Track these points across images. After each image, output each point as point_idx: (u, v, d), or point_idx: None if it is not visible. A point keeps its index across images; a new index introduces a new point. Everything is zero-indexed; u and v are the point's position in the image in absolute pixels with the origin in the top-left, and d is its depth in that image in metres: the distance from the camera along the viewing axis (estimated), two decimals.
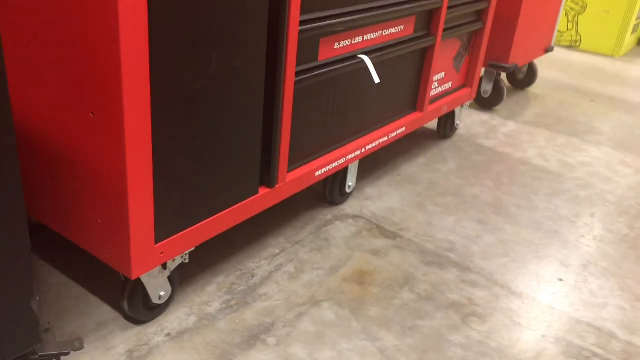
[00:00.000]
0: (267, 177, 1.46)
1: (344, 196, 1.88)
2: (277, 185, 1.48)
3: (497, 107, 2.88)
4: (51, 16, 1.05)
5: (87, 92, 1.06)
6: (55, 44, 1.07)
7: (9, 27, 1.14)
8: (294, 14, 1.30)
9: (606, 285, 1.64)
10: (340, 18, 1.48)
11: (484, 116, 2.78)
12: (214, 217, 1.32)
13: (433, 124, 2.55)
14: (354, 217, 1.83)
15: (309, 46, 1.44)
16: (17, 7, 1.11)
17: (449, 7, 1.94)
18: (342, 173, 1.81)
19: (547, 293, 1.58)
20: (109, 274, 1.44)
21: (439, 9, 1.87)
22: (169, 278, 1.33)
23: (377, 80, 1.64)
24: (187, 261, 1.36)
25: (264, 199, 1.46)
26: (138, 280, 1.26)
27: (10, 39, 1.15)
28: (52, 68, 1.10)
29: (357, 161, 1.83)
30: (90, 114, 1.07)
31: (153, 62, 1.05)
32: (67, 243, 1.53)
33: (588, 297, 1.58)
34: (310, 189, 1.94)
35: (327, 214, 1.83)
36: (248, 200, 1.41)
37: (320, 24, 1.42)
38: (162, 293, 1.32)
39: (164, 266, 1.30)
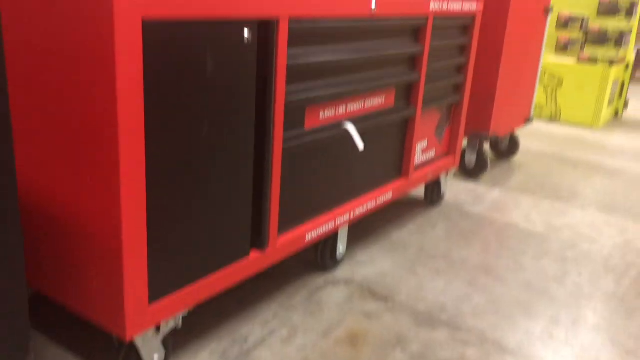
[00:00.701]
0: (258, 240, 1.51)
1: (335, 261, 1.92)
2: (268, 248, 1.52)
3: (482, 176, 2.97)
4: (51, 77, 1.14)
5: (85, 153, 1.13)
6: (55, 106, 1.15)
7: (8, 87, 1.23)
8: (280, 85, 1.41)
9: (597, 340, 1.65)
10: (324, 89, 1.58)
11: (470, 185, 2.87)
12: (206, 278, 1.36)
13: (421, 192, 2.62)
14: (346, 281, 1.86)
15: (295, 115, 1.54)
16: (14, 67, 1.20)
17: (427, 81, 2.07)
18: (333, 238, 1.86)
19: (539, 348, 1.59)
20: (104, 345, 1.45)
21: (417, 83, 2.00)
22: (163, 342, 1.34)
23: (361, 146, 1.72)
24: (179, 326, 1.37)
25: (255, 261, 1.50)
26: (132, 344, 1.28)
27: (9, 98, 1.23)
28: (49, 128, 1.18)
29: (347, 226, 1.89)
30: (89, 177, 1.14)
31: (148, 128, 1.12)
32: (63, 316, 1.55)
33: (580, 352, 1.59)
34: (302, 256, 1.97)
35: (319, 279, 1.86)
36: (239, 262, 1.44)
37: (306, 94, 1.52)
38: (155, 357, 1.33)
39: (158, 329, 1.32)
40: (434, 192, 2.50)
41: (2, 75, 0.86)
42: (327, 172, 1.73)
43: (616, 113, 4.81)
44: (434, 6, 1.95)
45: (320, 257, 1.86)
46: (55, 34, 1.09)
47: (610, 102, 4.53)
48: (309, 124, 1.60)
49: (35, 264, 1.34)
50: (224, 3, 1.19)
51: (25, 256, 1.33)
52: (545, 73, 4.42)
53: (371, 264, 1.99)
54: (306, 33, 1.49)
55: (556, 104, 4.44)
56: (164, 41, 1.10)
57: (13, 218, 0.92)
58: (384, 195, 1.99)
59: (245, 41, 1.30)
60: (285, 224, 1.62)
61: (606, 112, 4.47)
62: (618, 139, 4.07)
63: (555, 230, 2.38)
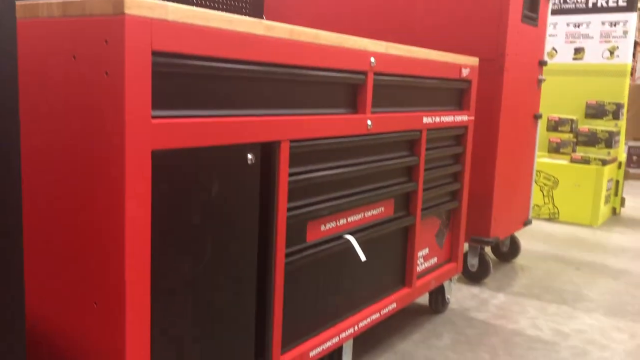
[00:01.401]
0: (261, 359, 1.48)
1: None
2: None
3: (486, 280, 2.95)
4: (60, 206, 1.17)
5: (92, 284, 1.14)
6: (61, 232, 1.18)
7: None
8: (282, 202, 1.45)
9: None
10: (324, 203, 1.62)
11: (474, 289, 2.84)
12: None
13: (425, 299, 2.60)
14: None
15: (297, 229, 1.57)
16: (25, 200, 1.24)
17: (424, 190, 2.12)
18: (337, 353, 1.82)
19: None
20: None
21: (414, 192, 2.05)
22: None
23: (363, 258, 1.74)
24: None
25: None
26: None
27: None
28: (54, 255, 1.19)
29: (352, 340, 1.85)
30: (94, 304, 1.14)
31: (154, 251, 1.15)
32: None
33: None
34: None
35: None
36: None
37: (307, 209, 1.56)
38: None
39: None
40: (438, 300, 2.48)
41: (18, 220, 0.90)
42: (330, 285, 1.73)
43: (614, 211, 4.86)
44: (427, 120, 2.04)
45: None
46: (67, 163, 1.14)
47: (607, 200, 4.59)
48: (311, 237, 1.63)
49: None
50: (228, 131, 1.25)
51: None
52: (540, 174, 4.52)
53: None
54: (306, 152, 1.55)
55: (553, 203, 4.50)
56: (172, 167, 1.15)
57: (19, 349, 0.92)
58: (388, 307, 1.98)
59: (249, 162, 1.35)
60: (289, 341, 1.59)
61: (604, 210, 4.52)
62: (618, 237, 4.08)
63: (563, 337, 2.33)
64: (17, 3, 1.18)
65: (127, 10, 1.00)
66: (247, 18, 1.27)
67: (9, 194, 0.89)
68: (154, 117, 1.10)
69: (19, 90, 0.90)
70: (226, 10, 2.37)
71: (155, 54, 1.08)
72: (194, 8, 1.14)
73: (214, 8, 2.31)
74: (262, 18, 2.55)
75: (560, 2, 4.99)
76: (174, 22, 1.10)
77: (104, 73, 1.04)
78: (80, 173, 1.12)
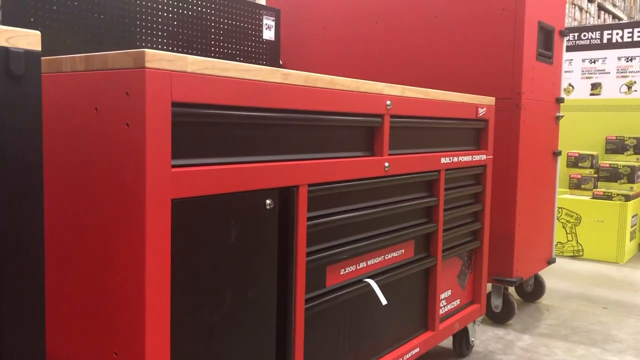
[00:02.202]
0: None
1: None
2: None
3: (510, 321, 2.88)
4: (82, 252, 1.18)
5: (112, 333, 1.14)
6: (83, 290, 1.18)
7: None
8: (301, 247, 1.44)
9: None
10: (344, 247, 1.61)
11: (499, 331, 2.78)
12: None
13: (449, 343, 2.54)
14: None
15: (316, 274, 1.56)
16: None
17: (445, 230, 2.10)
18: None
19: None
20: None
21: (435, 233, 2.03)
22: None
23: (384, 301, 1.71)
24: None
25: None
26: None
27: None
28: (78, 309, 1.20)
29: None
30: (114, 355, 1.14)
31: (174, 299, 1.14)
32: None
33: None
34: None
35: None
36: None
37: (326, 253, 1.55)
38: None
39: None
40: (462, 343, 2.42)
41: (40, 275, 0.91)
42: (351, 330, 1.70)
43: None
44: (444, 160, 2.04)
45: None
46: (89, 212, 1.16)
47: (632, 236, 4.50)
48: (330, 282, 1.61)
49: None
50: (247, 177, 1.26)
51: None
52: (562, 211, 4.46)
53: None
54: (324, 196, 1.55)
55: (577, 240, 4.42)
56: (191, 215, 1.16)
57: None
58: (411, 351, 1.94)
59: (268, 207, 1.36)
60: None
61: (630, 247, 4.43)
62: None
63: None
64: (42, 58, 1.22)
65: (147, 64, 1.03)
66: (263, 67, 1.30)
67: (32, 243, 0.90)
68: (173, 166, 1.12)
69: (43, 141, 0.92)
70: (245, 59, 2.42)
71: (175, 104, 1.10)
72: (213, 59, 1.17)
73: (233, 57, 2.36)
74: (279, 64, 2.60)
75: (575, 38, 5.02)
76: (192, 74, 1.12)
77: (125, 124, 1.07)
78: (101, 222, 1.13)
